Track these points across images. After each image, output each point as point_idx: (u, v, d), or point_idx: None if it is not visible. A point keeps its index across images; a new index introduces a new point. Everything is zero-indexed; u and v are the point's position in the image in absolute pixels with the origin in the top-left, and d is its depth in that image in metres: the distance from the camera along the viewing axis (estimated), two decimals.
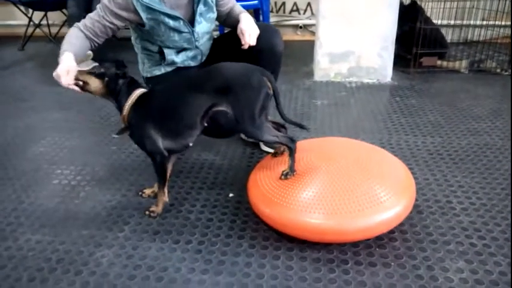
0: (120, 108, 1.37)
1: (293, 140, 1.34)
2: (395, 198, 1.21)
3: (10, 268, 1.19)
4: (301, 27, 3.92)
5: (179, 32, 1.54)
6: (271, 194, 1.26)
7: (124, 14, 1.48)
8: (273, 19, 3.83)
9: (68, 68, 1.32)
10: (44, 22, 3.90)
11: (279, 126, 1.45)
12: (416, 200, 1.37)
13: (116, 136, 1.40)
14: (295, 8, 3.90)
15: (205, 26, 1.61)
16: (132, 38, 1.65)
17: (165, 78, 1.65)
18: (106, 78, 1.35)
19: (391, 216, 1.19)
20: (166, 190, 1.40)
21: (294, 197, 1.22)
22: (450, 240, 1.25)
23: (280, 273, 1.15)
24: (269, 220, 1.27)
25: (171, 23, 1.51)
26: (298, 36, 3.94)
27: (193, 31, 1.58)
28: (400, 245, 1.23)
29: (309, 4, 3.86)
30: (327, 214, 1.16)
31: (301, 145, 1.49)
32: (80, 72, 1.34)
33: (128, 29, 1.67)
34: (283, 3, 3.89)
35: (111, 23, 1.48)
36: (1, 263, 1.21)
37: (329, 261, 1.19)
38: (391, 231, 1.27)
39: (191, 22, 1.57)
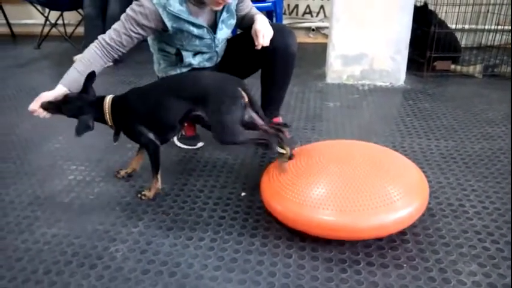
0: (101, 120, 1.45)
1: (277, 134, 1.37)
2: (409, 198, 1.21)
3: (26, 260, 1.22)
4: (313, 29, 3.93)
5: (201, 38, 1.56)
6: (284, 191, 1.27)
7: (149, 24, 1.48)
8: (286, 21, 3.85)
9: (45, 98, 1.40)
10: (59, 22, 3.98)
11: (279, 127, 1.45)
12: (429, 202, 1.37)
13: (115, 143, 1.48)
14: (308, 10, 3.91)
15: (225, 32, 1.63)
16: (149, 39, 1.67)
17: None
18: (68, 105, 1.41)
19: (404, 215, 1.19)
20: (159, 177, 1.48)
21: (308, 194, 1.22)
22: (463, 243, 1.24)
23: (292, 272, 1.16)
24: (281, 217, 1.28)
25: (195, 31, 1.53)
26: (311, 38, 3.95)
27: (214, 37, 1.59)
28: (412, 247, 1.23)
29: (322, 7, 3.87)
30: (340, 211, 1.17)
31: (315, 147, 1.50)
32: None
33: None
34: (296, 6, 3.91)
35: (138, 33, 1.48)
36: (18, 256, 1.23)
37: (341, 261, 1.19)
38: (404, 233, 1.27)
39: (213, 28, 1.58)
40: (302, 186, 1.25)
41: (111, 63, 3.21)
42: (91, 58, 1.46)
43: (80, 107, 1.40)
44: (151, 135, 1.43)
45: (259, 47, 1.56)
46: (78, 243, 1.28)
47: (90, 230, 1.34)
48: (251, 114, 1.41)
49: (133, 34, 1.48)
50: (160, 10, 1.46)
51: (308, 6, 3.89)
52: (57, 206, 1.47)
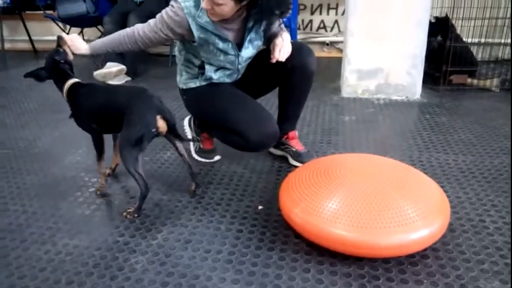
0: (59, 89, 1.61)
1: (147, 188, 1.45)
2: (431, 218, 1.20)
3: (49, 271, 1.24)
4: (327, 44, 3.96)
5: (226, 53, 1.59)
6: (305, 204, 1.27)
7: (179, 30, 1.54)
8: (300, 36, 3.89)
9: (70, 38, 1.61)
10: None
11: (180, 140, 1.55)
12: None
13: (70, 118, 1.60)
14: (322, 25, 3.95)
15: (250, 52, 1.65)
16: (176, 49, 1.71)
17: (198, 91, 1.70)
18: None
19: (425, 235, 1.18)
20: (101, 163, 1.62)
21: (329, 208, 1.22)
22: (484, 259, 1.23)
23: (311, 287, 1.15)
24: (302, 230, 1.28)
25: (221, 44, 1.56)
26: (325, 52, 3.98)
27: (238, 55, 1.62)
28: (432, 263, 1.22)
29: (336, 22, 3.91)
30: (361, 228, 1.16)
31: (336, 159, 1.50)
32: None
33: (162, 45, 1.75)
34: (311, 21, 3.95)
35: (166, 35, 1.56)
36: (41, 266, 1.26)
37: (360, 276, 1.18)
38: (423, 249, 1.26)
39: (239, 46, 1.61)
40: (323, 199, 1.26)
41: (129, 78, 3.29)
42: (119, 38, 1.59)
43: (49, 63, 1.58)
44: (93, 125, 1.54)
45: (273, 61, 1.57)
46: (99, 254, 1.30)
47: (110, 242, 1.36)
48: (172, 140, 1.54)
49: (162, 35, 1.56)
50: (190, 20, 1.51)
51: (322, 21, 3.94)
52: (79, 217, 1.51)
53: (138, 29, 1.57)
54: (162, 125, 1.42)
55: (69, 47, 1.59)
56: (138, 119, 1.39)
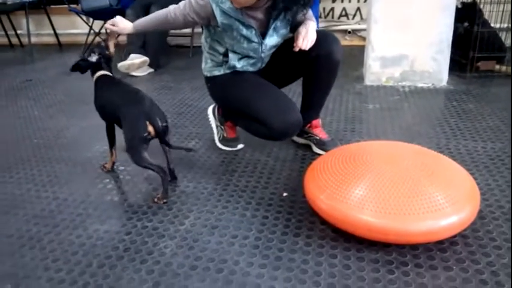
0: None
1: (164, 171, 1.51)
2: (460, 205, 1.18)
3: (81, 254, 1.28)
4: (349, 32, 3.91)
5: (249, 40, 1.59)
6: (332, 191, 1.27)
7: (204, 14, 1.57)
8: (321, 24, 3.85)
9: (115, 22, 1.69)
10: (103, 31, 4.15)
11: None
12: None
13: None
14: (344, 13, 3.90)
15: (275, 40, 1.64)
16: (203, 36, 1.73)
17: (222, 79, 1.71)
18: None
19: (454, 221, 1.17)
20: (112, 151, 1.74)
21: (356, 194, 1.22)
22: None
23: (338, 272, 1.16)
24: (328, 216, 1.28)
25: (244, 31, 1.56)
26: (347, 41, 3.93)
27: (262, 42, 1.61)
28: (462, 250, 1.20)
29: (358, 9, 3.85)
30: (388, 214, 1.16)
31: (362, 146, 1.49)
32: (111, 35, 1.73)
33: (182, 36, 1.77)
34: (332, 9, 3.90)
35: (193, 19, 1.60)
36: (73, 250, 1.30)
37: (388, 262, 1.18)
38: (452, 236, 1.24)
39: (263, 34, 1.61)
40: (349, 185, 1.25)
41: (152, 70, 3.33)
42: (158, 17, 1.67)
43: (88, 55, 1.69)
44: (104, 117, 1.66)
45: (296, 49, 1.57)
46: (129, 239, 1.33)
47: (139, 227, 1.39)
48: (163, 147, 1.59)
49: (189, 18, 1.60)
50: (214, 5, 1.52)
51: (344, 9, 3.88)
52: (108, 204, 1.54)
53: (172, 11, 1.63)
54: (152, 130, 1.47)
55: (114, 35, 1.71)
56: (129, 125, 1.49)
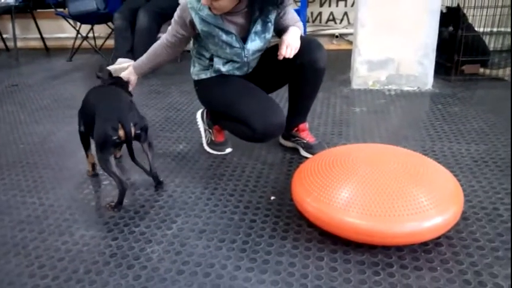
0: None
1: (123, 185, 1.48)
2: (444, 206, 1.20)
3: (67, 261, 1.27)
4: (337, 36, 3.95)
5: (230, 46, 1.60)
6: (317, 193, 1.28)
7: (187, 24, 1.59)
8: (309, 29, 3.88)
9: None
10: (90, 35, 4.13)
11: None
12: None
13: None
14: (331, 17, 3.94)
15: (257, 44, 1.63)
16: (191, 42, 1.75)
17: (209, 82, 1.72)
18: None
19: (438, 223, 1.18)
20: (88, 154, 1.76)
21: (342, 197, 1.23)
22: (498, 246, 1.23)
23: (325, 274, 1.16)
24: (315, 219, 1.29)
25: (224, 36, 1.56)
26: (334, 45, 3.97)
27: (244, 47, 1.62)
28: (446, 250, 1.22)
29: (345, 13, 3.89)
30: (374, 216, 1.17)
31: (347, 149, 1.50)
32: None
33: None
34: (320, 13, 3.94)
35: (182, 34, 1.64)
36: (59, 256, 1.29)
37: (373, 264, 1.19)
38: (437, 237, 1.26)
39: (244, 39, 1.61)
40: (336, 188, 1.26)
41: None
42: (155, 51, 1.75)
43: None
44: (81, 125, 1.70)
45: (280, 57, 1.57)
46: (115, 244, 1.33)
47: (126, 232, 1.38)
48: (145, 151, 1.58)
49: (179, 35, 1.64)
50: (193, 14, 1.54)
51: (331, 13, 3.92)
52: (94, 209, 1.53)
53: (164, 38, 1.69)
54: (122, 134, 1.45)
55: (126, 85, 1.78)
56: (99, 127, 1.45)
